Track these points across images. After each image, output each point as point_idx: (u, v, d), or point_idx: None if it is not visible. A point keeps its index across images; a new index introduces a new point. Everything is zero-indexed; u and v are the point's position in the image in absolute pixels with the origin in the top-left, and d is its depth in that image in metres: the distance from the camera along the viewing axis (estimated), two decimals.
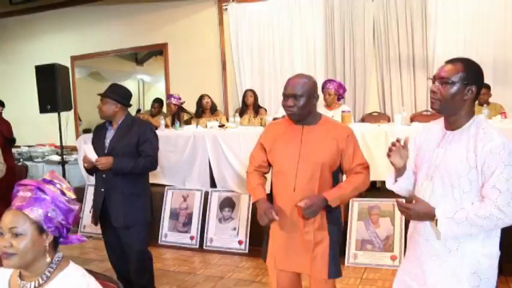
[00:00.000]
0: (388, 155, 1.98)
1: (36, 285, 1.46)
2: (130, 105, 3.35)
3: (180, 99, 6.06)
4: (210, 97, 6.05)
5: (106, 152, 3.18)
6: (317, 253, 2.31)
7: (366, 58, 6.14)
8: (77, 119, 8.00)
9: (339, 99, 5.40)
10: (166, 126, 5.75)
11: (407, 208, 1.85)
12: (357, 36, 6.12)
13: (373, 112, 5.94)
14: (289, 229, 2.35)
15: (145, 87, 8.77)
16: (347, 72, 6.23)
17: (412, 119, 5.12)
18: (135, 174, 3.21)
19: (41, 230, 1.45)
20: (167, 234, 4.90)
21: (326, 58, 6.34)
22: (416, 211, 1.83)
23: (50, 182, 1.51)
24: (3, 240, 1.42)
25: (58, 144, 7.27)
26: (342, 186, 2.33)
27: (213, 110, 6.04)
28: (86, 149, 3.16)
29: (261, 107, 6.04)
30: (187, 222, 4.88)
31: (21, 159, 7.32)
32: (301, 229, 2.32)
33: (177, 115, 5.98)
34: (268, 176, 2.56)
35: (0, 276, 1.53)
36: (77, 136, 7.67)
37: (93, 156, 3.11)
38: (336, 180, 2.36)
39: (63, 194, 1.50)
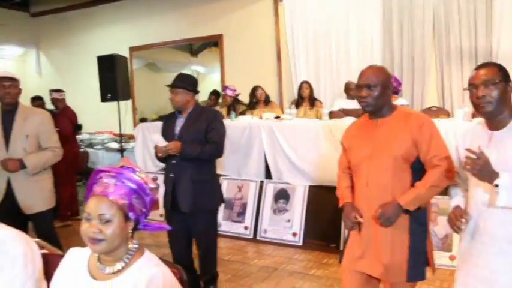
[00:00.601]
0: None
1: (115, 270, 1.48)
2: (198, 92, 3.40)
3: (235, 91, 6.10)
4: (263, 89, 6.06)
5: (176, 138, 3.24)
6: (395, 254, 2.20)
7: (425, 50, 5.96)
8: (134, 108, 8.21)
9: (395, 93, 5.26)
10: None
11: (479, 157, 1.74)
12: (416, 27, 5.95)
13: (432, 107, 5.75)
14: (364, 228, 2.28)
15: (199, 78, 8.88)
16: (405, 65, 6.08)
17: (473, 115, 4.92)
18: (202, 160, 3.26)
19: (126, 217, 1.47)
20: (221, 223, 4.95)
21: (383, 50, 6.20)
22: (485, 162, 1.73)
23: (131, 169, 1.52)
24: (92, 226, 1.44)
25: (116, 132, 7.52)
26: (417, 186, 2.17)
27: (267, 101, 6.04)
28: (155, 139, 3.21)
29: (316, 100, 5.99)
30: (242, 212, 4.92)
31: (82, 146, 7.60)
32: (377, 228, 2.22)
33: (233, 106, 6.02)
34: None
35: (80, 257, 1.58)
36: (134, 125, 7.88)
37: (163, 143, 3.17)
38: (417, 174, 2.21)
39: (144, 181, 1.51)
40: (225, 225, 4.96)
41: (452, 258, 3.88)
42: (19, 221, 3.24)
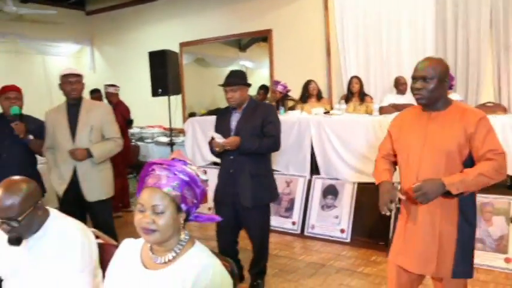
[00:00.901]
0: None
1: (166, 260, 1.50)
2: (251, 85, 3.44)
3: (286, 87, 6.09)
4: (316, 83, 6.01)
5: (232, 134, 3.29)
6: (441, 245, 2.15)
7: (481, 43, 5.70)
8: (184, 102, 8.34)
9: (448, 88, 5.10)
10: None
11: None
12: (471, 19, 5.70)
13: (488, 102, 5.53)
14: (411, 222, 2.23)
15: (247, 73, 8.90)
16: (459, 59, 5.85)
17: None
18: (259, 155, 3.32)
19: (178, 208, 1.49)
20: (270, 218, 4.96)
21: (436, 43, 6.00)
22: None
23: (182, 161, 1.54)
24: (145, 216, 1.47)
25: (166, 126, 7.67)
26: (465, 171, 2.09)
27: (319, 96, 5.99)
28: (213, 134, 3.26)
29: (366, 95, 5.89)
30: (290, 208, 4.91)
31: (133, 140, 7.79)
32: (424, 222, 2.17)
33: (282, 101, 6.01)
34: None
35: (133, 248, 1.62)
36: (184, 119, 8.02)
37: (221, 139, 3.22)
38: None
39: (197, 174, 1.53)
40: (272, 220, 4.89)
41: (508, 260, 3.73)
42: (80, 210, 3.51)
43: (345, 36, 6.55)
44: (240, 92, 3.28)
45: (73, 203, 3.49)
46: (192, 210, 1.55)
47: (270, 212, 3.57)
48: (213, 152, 3.40)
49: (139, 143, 7.93)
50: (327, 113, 5.12)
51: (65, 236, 1.83)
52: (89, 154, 3.48)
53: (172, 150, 6.43)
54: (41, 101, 9.34)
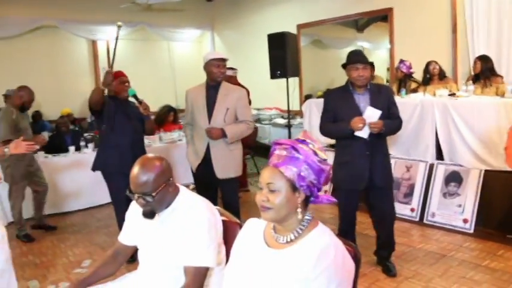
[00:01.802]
0: None
1: (288, 240, 1.53)
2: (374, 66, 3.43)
3: (410, 68, 5.83)
4: (437, 63, 5.67)
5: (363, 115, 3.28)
6: None
7: None
8: (302, 84, 8.36)
9: None
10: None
11: None
12: None
13: None
14: None
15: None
16: None
17: None
18: (386, 136, 3.38)
19: (294, 188, 1.50)
20: None
21: None
22: None
23: (303, 141, 1.54)
24: (262, 194, 1.52)
25: (283, 108, 7.78)
26: None
27: (441, 76, 5.64)
28: (371, 113, 3.24)
29: (496, 75, 5.41)
30: (409, 194, 4.73)
31: None
32: None
33: (404, 82, 5.77)
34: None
35: (257, 227, 1.67)
36: (301, 101, 8.05)
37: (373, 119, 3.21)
38: None
39: (316, 154, 1.52)
40: None
41: None
42: (211, 185, 3.87)
43: (474, 12, 6.03)
44: (368, 71, 3.25)
45: (205, 178, 3.83)
46: (313, 191, 1.54)
47: None
48: (328, 135, 3.47)
49: (257, 125, 8.13)
50: (452, 94, 4.81)
51: (193, 212, 1.93)
52: (223, 134, 3.72)
53: (289, 132, 6.51)
54: (166, 83, 10.06)
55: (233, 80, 6.20)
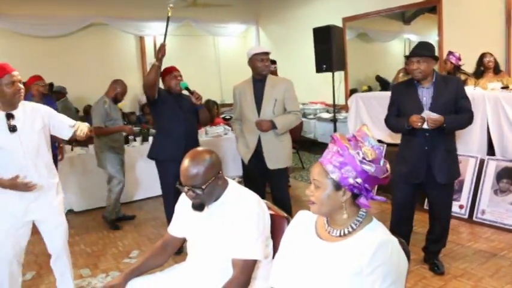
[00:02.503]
0: None
1: (342, 233, 1.54)
2: (438, 59, 3.33)
3: (460, 59, 5.64)
4: (492, 55, 5.46)
5: (427, 109, 3.20)
6: None
7: None
8: (347, 79, 8.26)
9: None
10: None
11: None
12: None
13: None
14: None
15: (411, 46, 8.46)
16: None
17: None
18: (449, 131, 3.25)
19: (337, 187, 1.51)
20: None
21: None
22: None
23: (355, 140, 1.53)
24: (309, 188, 1.57)
25: (328, 102, 7.71)
26: None
27: (497, 70, 5.43)
28: (428, 113, 3.17)
29: None
30: (458, 190, 4.58)
31: None
32: None
33: (453, 74, 5.59)
34: None
35: (308, 219, 1.69)
36: (346, 96, 7.96)
37: (432, 115, 3.14)
38: None
39: (362, 155, 1.50)
40: None
41: None
42: (262, 176, 3.97)
43: None
44: (426, 64, 3.16)
45: (256, 170, 3.94)
46: (363, 190, 1.51)
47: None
48: (393, 128, 3.42)
49: (302, 119, 8.10)
50: (505, 88, 4.62)
51: (242, 205, 1.95)
52: (272, 125, 3.80)
53: (335, 127, 6.45)
54: (211, 78, 10.18)
55: (273, 74, 6.22)
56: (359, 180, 1.49)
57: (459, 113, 3.20)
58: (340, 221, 1.55)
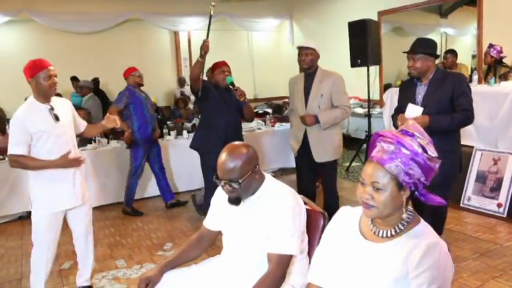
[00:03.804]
0: None
1: (388, 234, 1.48)
2: (438, 56, 3.27)
3: (501, 52, 5.48)
4: None
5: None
6: None
7: None
8: (382, 73, 8.14)
9: None
10: (479, 81, 5.29)
11: None
12: None
13: None
14: None
15: (448, 40, 8.26)
16: None
17: None
18: (438, 132, 3.07)
19: (399, 186, 1.43)
20: (471, 197, 4.61)
21: None
22: None
23: (410, 135, 1.46)
24: (365, 191, 1.47)
25: (362, 97, 7.61)
26: None
27: None
28: (411, 106, 3.15)
29: None
30: (496, 188, 4.47)
31: None
32: None
33: (493, 68, 5.44)
34: None
35: (351, 216, 1.64)
36: (381, 90, 7.85)
37: (416, 112, 3.10)
38: None
39: (424, 149, 1.44)
40: (474, 200, 4.59)
41: None
42: (310, 168, 4.04)
43: None
44: (421, 61, 3.13)
45: (305, 161, 4.01)
46: (420, 187, 1.46)
47: (450, 189, 3.35)
48: (395, 127, 3.32)
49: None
50: None
51: (279, 200, 1.94)
52: (316, 120, 3.83)
53: (369, 122, 6.37)
54: (245, 72, 10.20)
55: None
56: (423, 177, 1.44)
57: (456, 111, 3.09)
58: (393, 221, 1.48)
